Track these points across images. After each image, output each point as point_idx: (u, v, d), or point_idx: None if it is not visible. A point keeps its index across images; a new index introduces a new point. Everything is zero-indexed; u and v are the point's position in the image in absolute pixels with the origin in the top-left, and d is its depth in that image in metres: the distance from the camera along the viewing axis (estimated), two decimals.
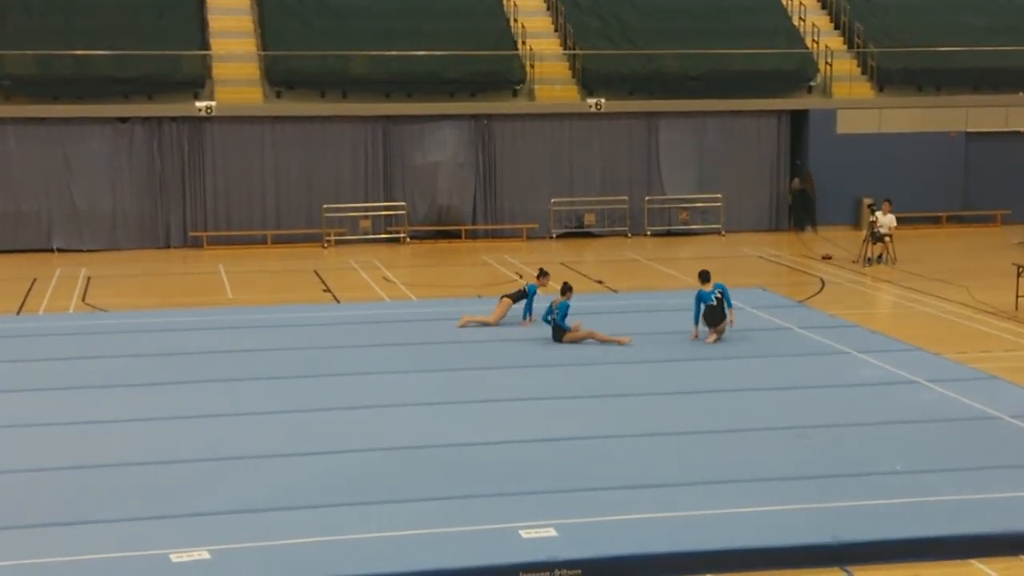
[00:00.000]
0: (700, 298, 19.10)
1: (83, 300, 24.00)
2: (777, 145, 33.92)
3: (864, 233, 28.59)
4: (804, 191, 33.67)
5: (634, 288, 24.87)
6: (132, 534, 11.11)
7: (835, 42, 35.42)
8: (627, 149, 33.26)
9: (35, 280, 26.21)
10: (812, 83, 34.20)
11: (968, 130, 34.24)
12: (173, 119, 31.09)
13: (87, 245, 30.82)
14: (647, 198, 33.06)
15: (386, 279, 26.23)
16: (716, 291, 19.03)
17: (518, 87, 32.93)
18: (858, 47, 35.10)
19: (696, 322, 19.17)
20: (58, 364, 17.94)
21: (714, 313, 18.96)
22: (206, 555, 10.61)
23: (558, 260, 28.82)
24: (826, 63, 34.33)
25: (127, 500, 12.05)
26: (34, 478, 12.83)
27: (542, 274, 21.14)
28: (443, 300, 23.46)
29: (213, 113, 30.93)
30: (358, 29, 32.92)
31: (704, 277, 19.27)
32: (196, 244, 31.23)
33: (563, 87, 33.39)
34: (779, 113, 33.85)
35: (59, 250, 30.63)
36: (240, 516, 11.54)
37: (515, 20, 34.40)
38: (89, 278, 26.51)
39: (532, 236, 32.57)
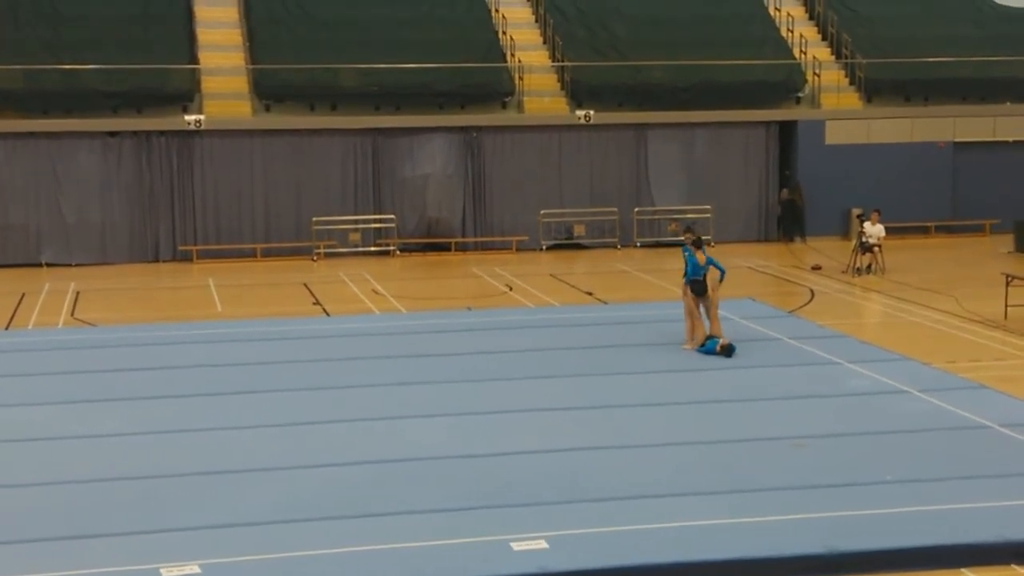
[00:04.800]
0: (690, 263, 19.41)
1: (72, 315, 23.95)
2: (766, 156, 33.99)
3: (853, 243, 28.64)
4: (793, 201, 33.74)
5: (624, 299, 24.87)
6: (122, 549, 11.07)
7: (823, 53, 35.53)
8: (616, 160, 33.31)
9: (24, 295, 26.15)
10: (800, 94, 34.30)
11: (956, 140, 34.35)
12: (162, 133, 31.08)
13: (76, 259, 30.76)
14: (636, 209, 33.10)
15: (376, 292, 26.22)
16: (708, 266, 19.29)
17: (507, 99, 32.97)
18: (846, 58, 35.22)
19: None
20: (47, 379, 17.88)
21: (699, 286, 19.23)
22: (197, 569, 10.57)
23: (548, 272, 28.86)
24: (814, 74, 34.44)
25: (117, 515, 12.00)
26: (23, 493, 12.77)
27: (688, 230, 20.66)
28: (433, 312, 23.45)
29: (202, 127, 30.93)
30: (347, 42, 32.95)
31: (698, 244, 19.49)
32: (185, 258, 31.19)
33: (552, 99, 33.44)
34: (768, 124, 33.93)
35: (48, 264, 30.57)
36: (231, 530, 11.51)
37: (504, 32, 34.46)
38: (78, 292, 26.46)
39: (522, 248, 32.58)
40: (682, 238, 20.34)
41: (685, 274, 19.65)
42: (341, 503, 12.24)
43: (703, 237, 19.66)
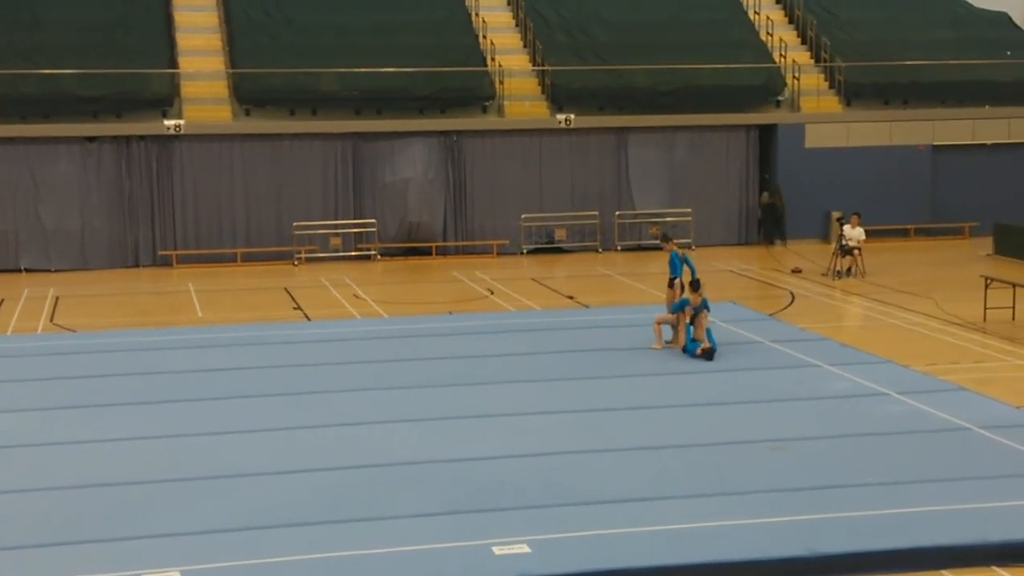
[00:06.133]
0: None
1: (51, 320, 23.84)
2: (746, 159, 34.06)
3: (833, 246, 28.72)
4: (773, 205, 33.81)
5: (605, 303, 24.89)
6: (103, 555, 11.03)
7: (802, 57, 35.64)
8: (597, 164, 33.33)
9: (2, 300, 26.02)
10: (780, 97, 34.38)
11: (935, 143, 34.48)
12: (141, 138, 30.97)
13: (55, 265, 30.61)
14: (617, 213, 33.13)
15: (357, 296, 26.18)
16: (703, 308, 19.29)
17: (488, 103, 32.97)
18: (825, 61, 35.33)
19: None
20: (26, 385, 17.80)
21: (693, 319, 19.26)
22: None
23: (529, 276, 28.87)
24: (794, 77, 34.53)
25: (97, 521, 11.96)
26: (4, 500, 12.71)
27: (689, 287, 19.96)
28: (414, 317, 23.43)
29: (182, 131, 30.84)
30: (327, 46, 32.89)
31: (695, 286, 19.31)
32: (165, 263, 31.09)
33: (532, 103, 33.45)
34: (748, 127, 34.00)
35: (27, 270, 30.42)
36: (213, 536, 11.47)
37: (484, 36, 34.45)
38: (57, 298, 26.35)
39: (503, 252, 32.57)
40: (658, 241, 20.41)
41: (673, 277, 19.88)
42: (322, 508, 12.21)
43: (698, 278, 19.55)
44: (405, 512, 12.05)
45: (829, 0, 37.07)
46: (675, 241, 21.28)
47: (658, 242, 19.98)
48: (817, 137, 33.89)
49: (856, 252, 27.85)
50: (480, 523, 11.70)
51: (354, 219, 32.03)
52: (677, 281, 20.21)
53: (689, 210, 33.19)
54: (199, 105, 31.85)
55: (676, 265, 20.47)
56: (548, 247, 32.96)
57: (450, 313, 23.87)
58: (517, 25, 35.74)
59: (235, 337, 21.23)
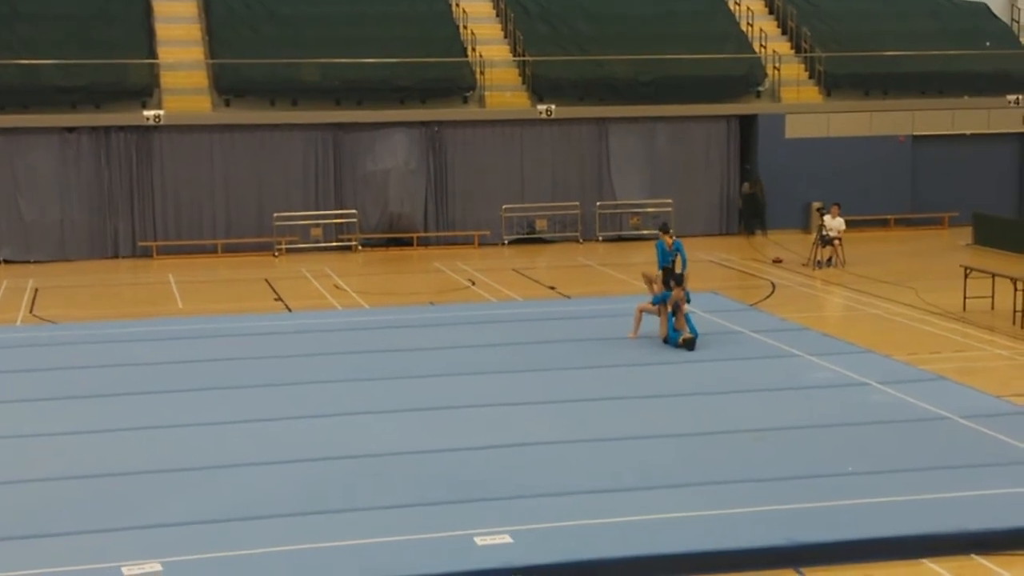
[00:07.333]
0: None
1: (31, 312, 23.75)
2: (727, 149, 34.09)
3: (814, 236, 28.79)
4: (754, 195, 33.87)
5: (586, 294, 24.91)
6: (84, 547, 11.00)
7: (783, 47, 35.69)
8: (578, 155, 33.33)
9: None
10: (761, 88, 34.42)
11: (915, 133, 34.57)
12: (121, 128, 30.82)
13: (34, 256, 30.48)
14: (598, 203, 33.14)
15: (338, 287, 26.14)
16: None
17: (468, 94, 32.93)
18: (806, 52, 35.38)
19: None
20: (6, 376, 17.73)
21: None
22: (158, 567, 10.51)
23: (510, 266, 28.85)
24: (774, 68, 34.59)
25: (79, 513, 11.93)
26: None
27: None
28: (395, 308, 23.40)
29: (161, 122, 30.71)
30: (308, 37, 32.79)
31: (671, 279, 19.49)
32: (145, 254, 30.98)
33: (513, 93, 33.42)
34: (728, 118, 34.03)
35: (6, 261, 30.28)
36: (194, 527, 11.45)
37: (465, 27, 34.40)
38: (37, 289, 26.23)
39: (484, 243, 32.56)
40: (656, 231, 20.59)
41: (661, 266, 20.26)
42: (304, 499, 12.20)
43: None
44: (387, 503, 12.04)
45: None
46: (668, 233, 21.16)
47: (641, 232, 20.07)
48: (797, 127, 33.94)
49: (836, 242, 27.91)
50: (462, 514, 11.70)
51: (335, 210, 31.96)
52: (660, 272, 20.24)
53: (670, 200, 33.20)
54: (179, 96, 31.73)
55: (663, 255, 20.48)
56: (529, 237, 32.96)
57: (431, 304, 23.86)
58: (498, 15, 35.70)
59: (215, 328, 21.18)
